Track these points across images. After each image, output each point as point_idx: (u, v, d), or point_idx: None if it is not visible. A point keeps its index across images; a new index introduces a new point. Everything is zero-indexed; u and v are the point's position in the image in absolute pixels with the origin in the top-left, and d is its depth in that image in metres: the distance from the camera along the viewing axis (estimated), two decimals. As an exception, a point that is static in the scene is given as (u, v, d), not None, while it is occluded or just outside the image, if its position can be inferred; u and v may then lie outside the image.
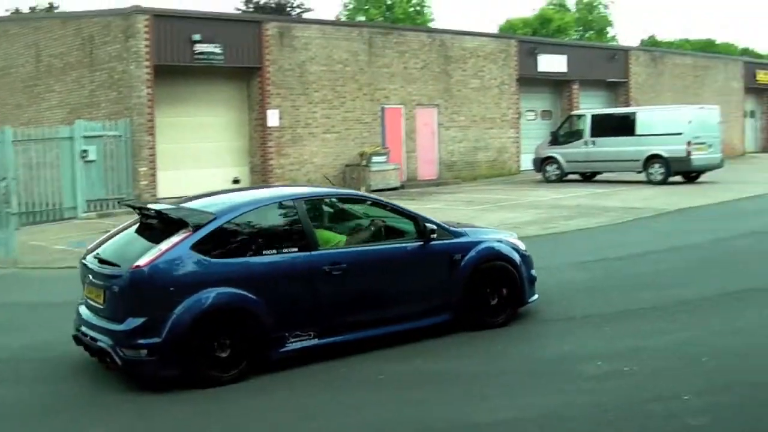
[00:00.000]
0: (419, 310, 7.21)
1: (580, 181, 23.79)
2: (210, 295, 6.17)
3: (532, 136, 27.89)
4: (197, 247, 6.21)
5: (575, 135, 24.28)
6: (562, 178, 23.99)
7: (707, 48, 63.43)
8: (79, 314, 6.78)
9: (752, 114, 41.49)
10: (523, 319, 7.75)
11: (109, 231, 7.47)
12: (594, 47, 36.35)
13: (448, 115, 25.40)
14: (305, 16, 43.37)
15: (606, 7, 63.87)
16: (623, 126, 23.42)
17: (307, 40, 21.91)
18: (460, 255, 7.36)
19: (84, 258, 6.90)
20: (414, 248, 7.19)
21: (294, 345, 6.55)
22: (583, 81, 30.20)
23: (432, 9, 73.94)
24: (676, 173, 22.52)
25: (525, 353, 7.01)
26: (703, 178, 23.13)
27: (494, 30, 55.87)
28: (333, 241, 7.05)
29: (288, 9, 45.07)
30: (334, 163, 22.42)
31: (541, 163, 24.62)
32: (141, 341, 6.03)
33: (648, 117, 23.35)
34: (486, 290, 7.46)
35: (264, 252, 6.50)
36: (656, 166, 22.51)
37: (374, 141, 23.26)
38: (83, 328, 6.59)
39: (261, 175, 21.22)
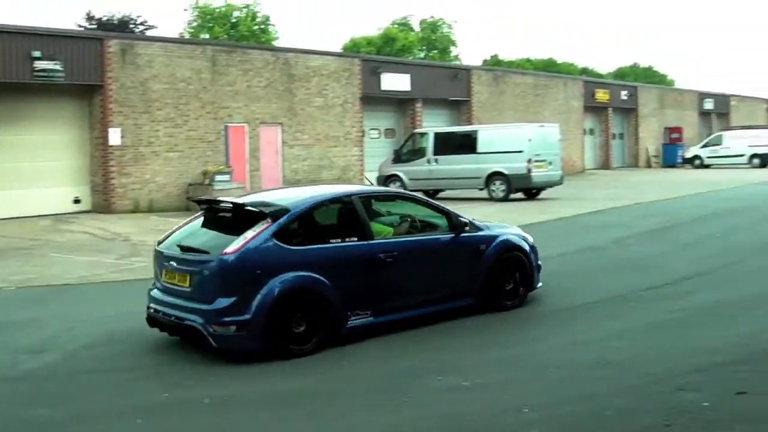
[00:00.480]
0: (451, 294, 9.37)
1: (423, 199, 27.20)
2: (289, 277, 8.03)
3: (376, 154, 31.30)
4: (276, 235, 8.08)
5: (418, 153, 27.68)
6: (405, 196, 27.43)
7: (548, 67, 70.42)
8: (153, 297, 8.66)
9: (591, 132, 47.06)
10: (369, 338, 8.61)
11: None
12: (437, 66, 40.35)
13: (291, 133, 28.29)
14: (148, 33, 45.60)
15: (450, 26, 69.71)
16: (465, 144, 26.86)
17: (149, 58, 24.29)
18: (485, 246, 9.68)
19: (158, 247, 8.84)
20: (449, 239, 9.45)
21: (355, 322, 8.50)
22: (426, 99, 33.95)
23: (276, 27, 77.24)
24: (518, 190, 26.04)
25: (367, 370, 7.82)
26: (543, 194, 26.67)
27: (338, 49, 59.60)
28: (383, 233, 9.09)
29: (131, 26, 47.32)
30: (178, 182, 24.76)
31: (384, 181, 27.65)
32: (230, 319, 7.78)
33: (489, 135, 26.82)
34: (504, 277, 9.78)
35: (330, 240, 8.52)
36: (498, 183, 26.02)
37: (218, 160, 25.80)
38: (163, 309, 8.40)
39: (102, 195, 23.30)
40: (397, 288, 8.95)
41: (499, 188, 26.14)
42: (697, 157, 48.25)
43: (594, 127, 47.66)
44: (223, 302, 7.84)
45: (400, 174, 27.71)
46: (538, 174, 25.93)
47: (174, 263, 8.43)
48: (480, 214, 20.96)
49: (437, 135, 27.91)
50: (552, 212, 21.73)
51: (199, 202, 9.30)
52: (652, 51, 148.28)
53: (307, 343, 8.13)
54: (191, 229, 8.94)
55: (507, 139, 26.41)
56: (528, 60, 76.36)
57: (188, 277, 8.20)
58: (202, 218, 9.03)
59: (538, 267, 10.40)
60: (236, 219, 8.50)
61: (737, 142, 47.30)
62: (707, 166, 46.71)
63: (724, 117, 61.05)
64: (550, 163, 26.39)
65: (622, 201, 24.35)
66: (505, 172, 25.88)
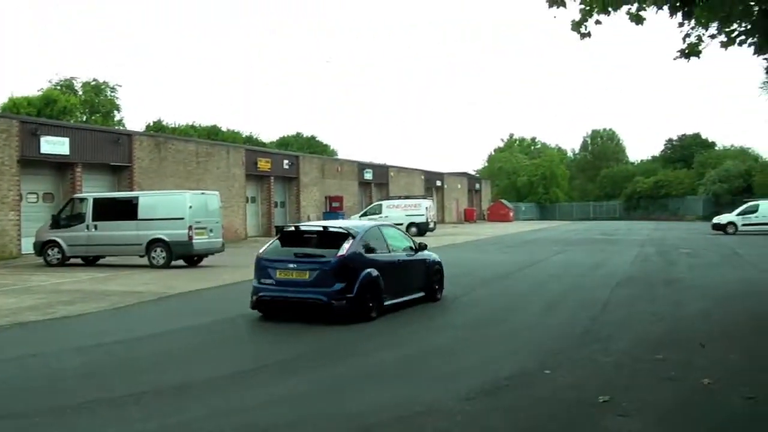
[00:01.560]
0: (416, 288, 15.77)
1: (82, 265, 26.05)
2: (367, 272, 13.73)
3: (33, 218, 29.88)
4: (356, 247, 13.80)
5: (77, 218, 26.59)
6: (64, 262, 26.11)
7: (212, 134, 71.18)
8: (266, 289, 13.74)
9: (253, 200, 48.02)
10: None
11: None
12: (98, 130, 39.10)
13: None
14: None
15: (113, 89, 68.31)
16: (126, 210, 26.24)
17: None
18: (427, 261, 16.37)
19: (264, 256, 14.15)
20: (417, 256, 16.04)
21: (387, 302, 14.33)
22: (86, 164, 32.97)
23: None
24: (179, 257, 25.79)
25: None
26: (205, 261, 26.67)
27: (-4, 109, 56.02)
28: (397, 250, 15.48)
29: None
30: None
31: (42, 247, 26.47)
32: (343, 296, 13.26)
33: (150, 201, 26.40)
34: (434, 280, 16.41)
35: (377, 251, 14.45)
36: (158, 250, 25.58)
37: None
38: (283, 295, 13.54)
39: None
40: (401, 282, 15.13)
41: (159, 255, 25.73)
42: (358, 225, 50.57)
43: (256, 195, 48.59)
44: (338, 286, 13.35)
45: (59, 240, 26.49)
46: (199, 241, 25.92)
47: (292, 265, 13.70)
48: (138, 282, 21.18)
49: (96, 200, 27.07)
50: (212, 279, 21.75)
51: (284, 228, 15.42)
52: (314, 121, 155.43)
53: (375, 312, 13.83)
54: (284, 245, 14.39)
55: (168, 206, 26.18)
56: (192, 126, 76.47)
57: (308, 272, 13.50)
58: (281, 239, 14.66)
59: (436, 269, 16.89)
60: (324, 237, 14.25)
61: (395, 211, 50.27)
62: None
63: (383, 187, 64.69)
64: (211, 231, 26.51)
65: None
66: (166, 238, 25.61)
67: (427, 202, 51.62)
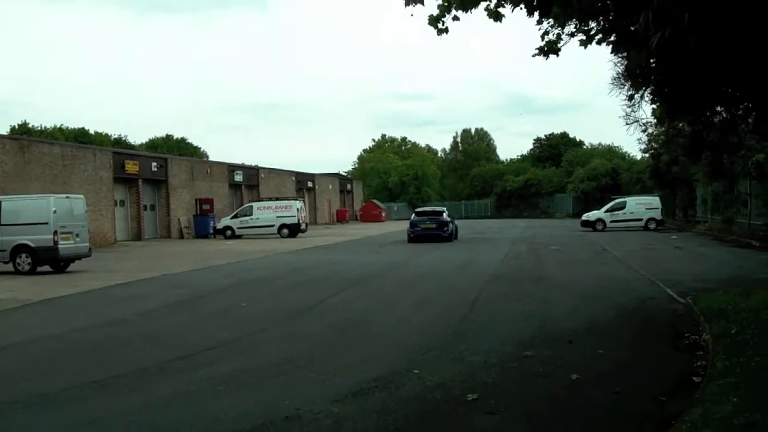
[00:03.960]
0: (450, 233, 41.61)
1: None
2: (450, 224, 41.68)
3: None
4: (447, 215, 42.79)
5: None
6: None
7: (81, 137, 69.33)
8: (417, 230, 40.30)
9: (122, 203, 47.07)
10: None
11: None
12: (-45, 133, 37.54)
13: None
14: None
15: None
16: None
17: None
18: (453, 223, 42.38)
19: (412, 220, 41.51)
20: (450, 219, 42.47)
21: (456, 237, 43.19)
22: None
23: None
24: (45, 263, 25.31)
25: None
26: (72, 267, 26.25)
27: None
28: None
29: None
30: None
31: None
32: (448, 233, 40.18)
33: (14, 206, 25.77)
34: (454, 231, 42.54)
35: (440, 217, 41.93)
36: (23, 255, 25.12)
37: None
38: (424, 233, 40.07)
39: None
40: (457, 229, 43.65)
41: (25, 261, 25.36)
42: (228, 227, 50.18)
43: (125, 199, 47.67)
44: (447, 229, 40.10)
45: None
46: (65, 246, 25.59)
47: (426, 219, 40.89)
48: (3, 289, 20.84)
49: (-43, 206, 26.07)
50: (79, 285, 21.43)
51: (417, 209, 47.48)
52: (185, 123, 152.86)
53: (454, 238, 41.07)
54: (417, 216, 41.86)
55: (31, 211, 25.67)
56: (60, 129, 74.45)
57: (434, 224, 40.18)
58: (416, 213, 42.82)
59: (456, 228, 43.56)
60: (433, 212, 42.61)
61: (267, 213, 50.16)
62: (239, 237, 48.81)
63: (254, 188, 64.36)
64: (78, 235, 26.14)
65: (153, 272, 24.66)
66: (31, 244, 25.24)
67: (298, 204, 51.58)
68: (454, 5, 11.22)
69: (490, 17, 11.44)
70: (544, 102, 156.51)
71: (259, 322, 14.34)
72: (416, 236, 39.35)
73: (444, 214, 41.13)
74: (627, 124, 21.66)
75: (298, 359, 10.79)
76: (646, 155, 55.61)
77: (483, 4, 11.21)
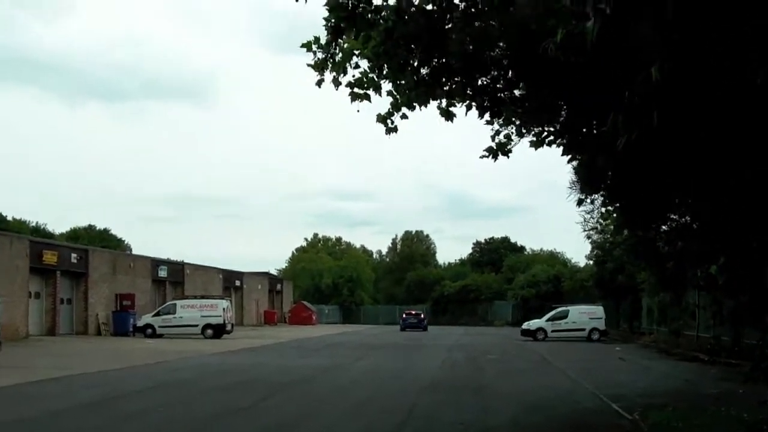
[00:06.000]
0: None
1: None
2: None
3: None
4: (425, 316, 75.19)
5: None
6: None
7: (-2, 225, 68.20)
8: (405, 324, 69.74)
9: (38, 295, 45.99)
10: None
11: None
12: None
13: None
14: None
15: None
16: None
17: None
18: None
19: (403, 317, 71.55)
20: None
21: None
22: None
23: None
24: None
25: None
26: None
27: None
28: None
29: None
30: None
31: None
32: (422, 326, 70.41)
33: None
34: None
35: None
36: None
37: None
38: (410, 327, 68.65)
39: None
40: (424, 323, 72.25)
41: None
42: (149, 326, 49.15)
43: (41, 290, 46.68)
44: (423, 323, 71.53)
45: None
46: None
47: (412, 318, 71.52)
48: None
49: None
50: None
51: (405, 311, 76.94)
52: (110, 213, 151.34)
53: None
54: (406, 314, 72.97)
55: None
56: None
57: (416, 320, 71.09)
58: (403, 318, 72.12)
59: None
60: (417, 314, 73.15)
61: (191, 311, 49.42)
62: (160, 336, 47.88)
63: (178, 285, 63.63)
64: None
65: (66, 370, 23.95)
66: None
67: (224, 303, 51.02)
68: (404, 104, 11.39)
69: (442, 115, 11.62)
70: (485, 204, 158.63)
71: (177, 429, 13.98)
72: (405, 326, 68.73)
73: (422, 315, 72.59)
74: (584, 230, 21.98)
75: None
76: (590, 262, 56.43)
77: (434, 103, 11.42)
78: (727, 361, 27.21)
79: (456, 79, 11.13)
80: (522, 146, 12.19)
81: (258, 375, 23.76)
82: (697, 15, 6.45)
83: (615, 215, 15.81)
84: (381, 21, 10.48)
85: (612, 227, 38.61)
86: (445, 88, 11.22)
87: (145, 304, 55.87)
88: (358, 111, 11.67)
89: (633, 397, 18.48)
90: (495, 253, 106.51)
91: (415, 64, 10.96)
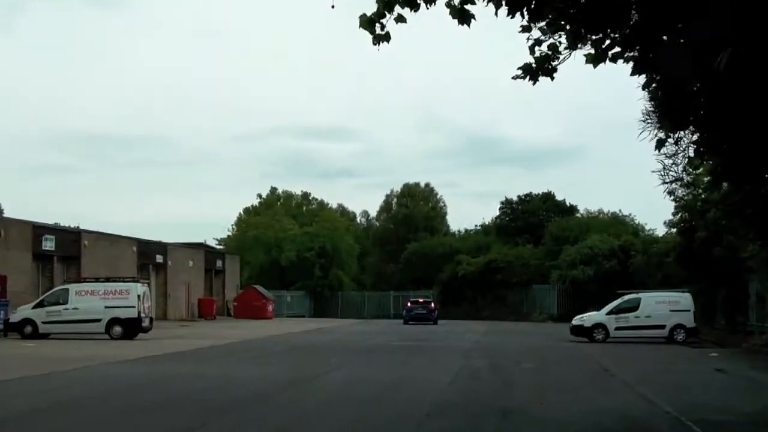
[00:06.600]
0: None
1: None
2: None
3: None
4: (435, 304, 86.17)
5: None
6: None
7: None
8: (410, 315, 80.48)
9: None
10: None
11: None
12: None
13: None
14: None
15: None
16: None
17: None
18: None
19: (408, 307, 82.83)
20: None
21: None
22: None
23: None
24: None
25: None
26: None
27: None
28: None
29: None
30: None
31: None
32: (434, 318, 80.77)
33: None
34: None
35: None
36: None
37: None
38: (417, 318, 79.48)
39: None
40: (435, 314, 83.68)
41: None
42: (28, 321, 48.69)
43: None
44: (434, 315, 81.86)
45: None
46: None
47: (420, 309, 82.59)
48: None
49: None
50: None
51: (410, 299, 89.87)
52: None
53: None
54: (412, 304, 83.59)
55: None
56: None
57: (425, 310, 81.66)
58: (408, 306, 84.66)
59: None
60: (424, 301, 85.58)
61: (91, 300, 48.90)
62: (45, 335, 47.69)
63: (73, 262, 63.29)
64: None
65: None
66: None
67: (140, 288, 50.77)
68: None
69: (454, 17, 11.44)
70: (518, 147, 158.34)
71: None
72: (410, 318, 79.08)
73: (432, 303, 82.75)
74: (664, 183, 21.82)
75: None
76: (672, 230, 56.03)
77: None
78: None
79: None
80: (573, 62, 12.04)
81: (190, 391, 23.72)
82: None
83: (711, 162, 15.64)
84: None
85: (706, 179, 38.33)
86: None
87: (23, 289, 55.71)
88: (333, 6, 11.52)
89: (736, 427, 18.52)
90: (533, 217, 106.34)
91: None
